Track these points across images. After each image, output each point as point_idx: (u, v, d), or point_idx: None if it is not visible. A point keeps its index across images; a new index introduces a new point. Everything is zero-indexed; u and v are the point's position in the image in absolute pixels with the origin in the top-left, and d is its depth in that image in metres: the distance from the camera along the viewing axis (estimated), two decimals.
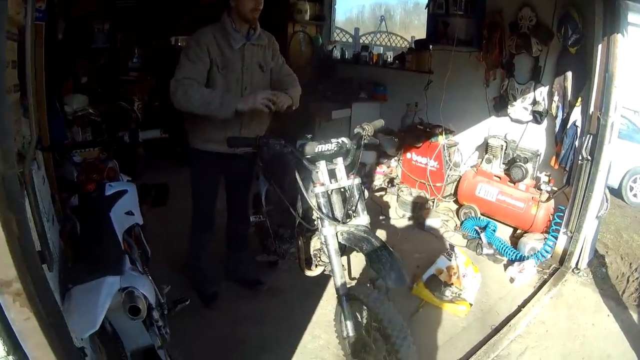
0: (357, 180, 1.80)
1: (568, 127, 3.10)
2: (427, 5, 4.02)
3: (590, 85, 2.71)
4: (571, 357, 2.16)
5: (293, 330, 2.19)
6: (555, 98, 3.22)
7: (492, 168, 3.54)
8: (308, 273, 1.99)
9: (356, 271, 2.25)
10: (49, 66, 1.82)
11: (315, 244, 1.96)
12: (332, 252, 1.71)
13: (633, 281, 2.85)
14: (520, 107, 3.50)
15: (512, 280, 2.78)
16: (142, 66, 4.89)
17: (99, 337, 1.35)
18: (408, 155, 3.97)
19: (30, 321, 0.80)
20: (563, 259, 2.93)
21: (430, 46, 4.09)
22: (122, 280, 1.32)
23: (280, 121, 2.18)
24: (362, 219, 1.79)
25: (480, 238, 3.13)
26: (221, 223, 2.42)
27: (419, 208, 3.59)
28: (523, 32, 3.32)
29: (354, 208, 1.81)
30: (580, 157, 2.75)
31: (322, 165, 1.77)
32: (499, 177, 3.45)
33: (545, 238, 3.02)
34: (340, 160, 1.82)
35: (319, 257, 1.95)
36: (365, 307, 1.67)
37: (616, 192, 4.93)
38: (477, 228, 3.25)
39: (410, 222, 3.58)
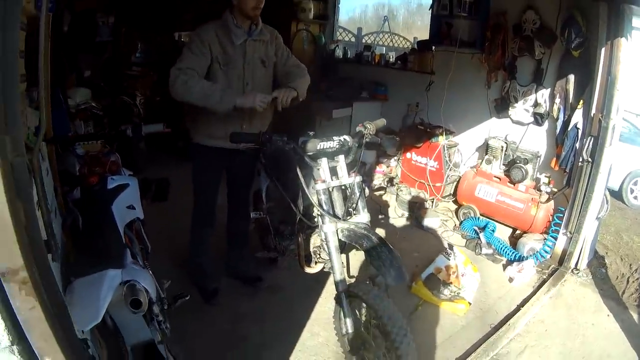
0: (358, 178, 1.81)
1: (569, 129, 3.12)
2: (431, 6, 4.03)
3: (592, 88, 2.73)
4: (571, 356, 2.16)
5: (293, 328, 2.19)
6: (557, 100, 3.24)
7: (492, 169, 3.55)
8: (307, 270, 1.99)
9: (355, 269, 2.26)
10: (54, 59, 1.81)
11: (315, 240, 1.96)
12: (333, 249, 1.72)
13: (633, 282, 2.86)
14: (521, 109, 3.51)
15: (511, 280, 2.79)
16: (145, 61, 4.89)
17: (99, 331, 1.35)
18: (408, 155, 3.97)
19: (35, 310, 0.80)
20: (562, 260, 2.93)
21: (433, 47, 4.10)
22: (124, 274, 1.33)
23: (282, 117, 2.18)
24: (363, 217, 1.80)
25: (479, 238, 3.13)
26: (221, 219, 2.41)
27: (418, 208, 3.60)
28: (526, 34, 3.32)
29: (354, 206, 1.81)
30: (580, 159, 2.76)
31: (323, 162, 1.77)
32: (499, 178, 3.46)
33: (545, 239, 3.03)
34: (341, 157, 1.82)
35: (319, 254, 1.96)
36: (364, 305, 1.68)
37: (617, 195, 4.94)
38: (476, 228, 3.25)
39: (409, 222, 3.58)
